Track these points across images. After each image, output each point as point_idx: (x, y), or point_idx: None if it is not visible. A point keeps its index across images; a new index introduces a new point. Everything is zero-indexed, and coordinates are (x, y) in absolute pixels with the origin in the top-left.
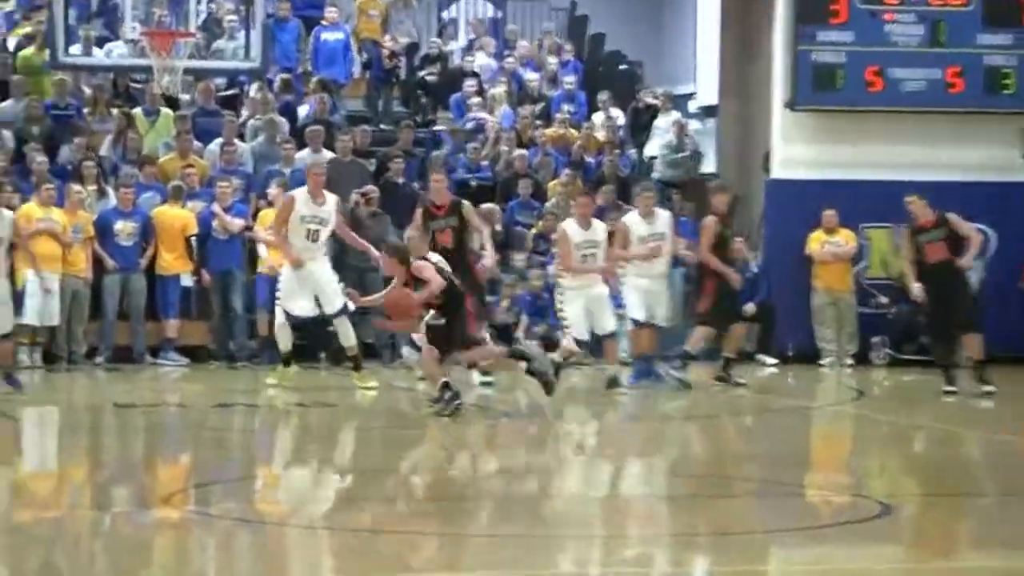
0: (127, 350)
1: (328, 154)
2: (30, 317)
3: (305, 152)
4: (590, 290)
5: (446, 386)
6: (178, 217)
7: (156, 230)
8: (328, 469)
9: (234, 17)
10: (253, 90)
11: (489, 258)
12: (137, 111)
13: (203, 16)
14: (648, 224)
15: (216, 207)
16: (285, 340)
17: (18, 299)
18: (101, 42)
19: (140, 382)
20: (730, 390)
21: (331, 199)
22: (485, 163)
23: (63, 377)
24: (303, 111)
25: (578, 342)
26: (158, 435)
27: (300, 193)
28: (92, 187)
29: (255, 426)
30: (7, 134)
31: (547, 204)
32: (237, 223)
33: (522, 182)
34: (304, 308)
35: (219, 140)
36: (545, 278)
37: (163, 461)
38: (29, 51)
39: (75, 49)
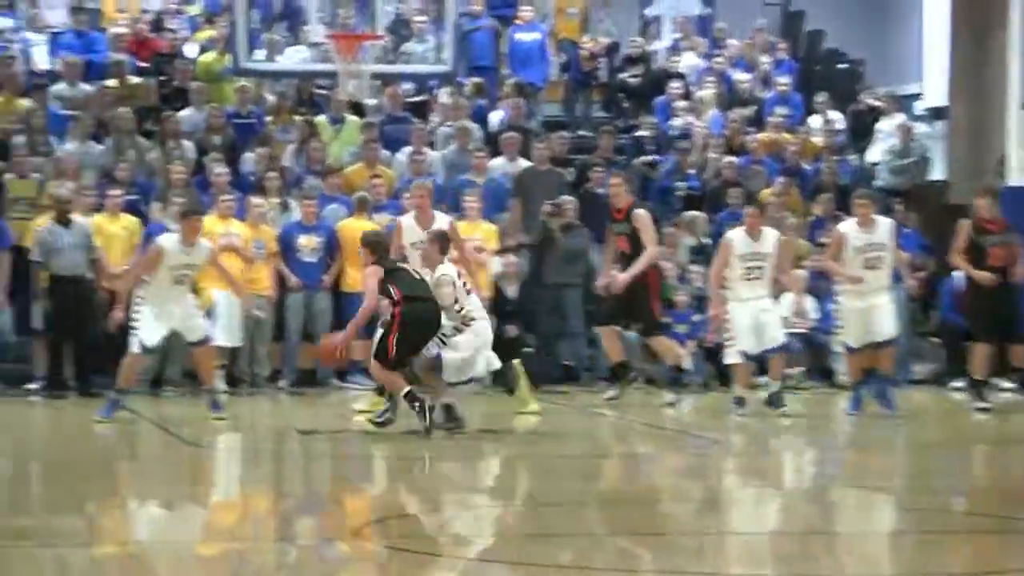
0: (311, 373)
1: (523, 163)
2: (218, 338)
3: (499, 160)
4: (756, 303)
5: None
6: (364, 230)
7: (341, 245)
8: (523, 500)
9: (423, 18)
10: (444, 95)
11: (621, 276)
12: (321, 119)
13: (390, 17)
14: (866, 233)
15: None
16: None
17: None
18: (284, 46)
19: (325, 407)
20: (969, 414)
21: (440, 221)
22: (692, 171)
23: (245, 401)
24: (497, 117)
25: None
26: (343, 463)
27: (407, 220)
28: (275, 200)
29: (444, 454)
30: (188, 144)
31: None
32: None
33: (732, 191)
34: None
35: (407, 148)
36: None
37: (349, 491)
38: (210, 57)
39: (258, 54)
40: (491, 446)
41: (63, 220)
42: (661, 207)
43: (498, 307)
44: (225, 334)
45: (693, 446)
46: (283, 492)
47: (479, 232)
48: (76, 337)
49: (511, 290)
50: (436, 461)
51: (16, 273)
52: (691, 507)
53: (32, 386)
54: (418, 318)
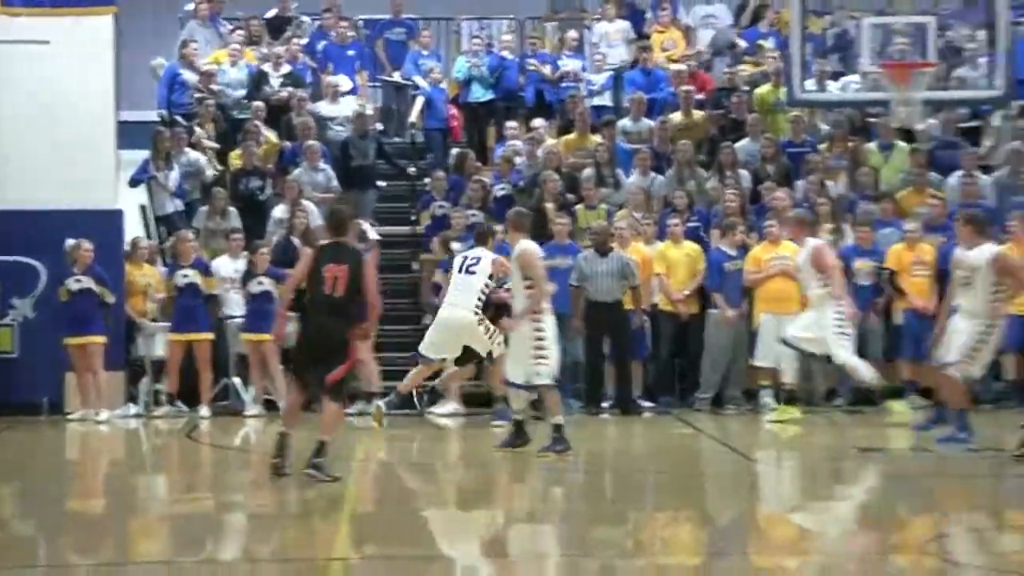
0: (866, 392)
1: None
2: (763, 359)
3: None
4: None
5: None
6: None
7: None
8: None
9: (975, 44)
10: (996, 119)
11: None
12: (870, 145)
13: (942, 44)
14: None
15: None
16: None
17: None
18: (835, 76)
19: (880, 426)
20: None
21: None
22: None
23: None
24: None
25: None
26: (901, 481)
27: None
28: (828, 225)
29: (1002, 472)
30: (744, 173)
31: None
32: None
33: None
34: None
35: (959, 173)
36: None
37: (906, 507)
38: (765, 89)
39: (809, 84)
40: None
41: (602, 250)
42: None
43: None
44: (767, 354)
45: None
46: (842, 507)
47: None
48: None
49: None
50: (998, 479)
51: None
52: None
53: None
54: None
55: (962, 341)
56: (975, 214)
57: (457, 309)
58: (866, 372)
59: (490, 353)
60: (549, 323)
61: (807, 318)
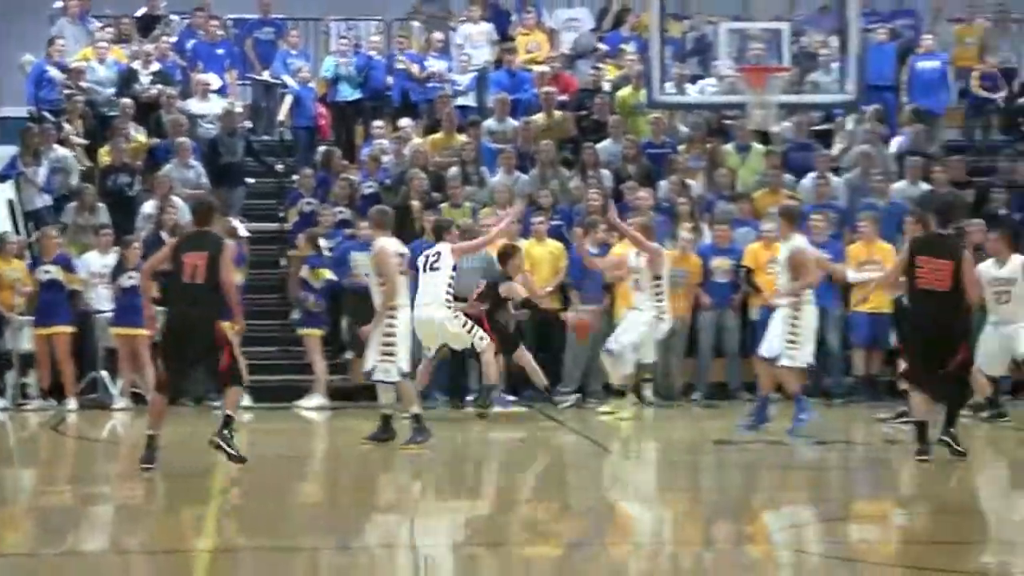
0: (723, 387)
1: (924, 186)
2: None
3: (902, 184)
4: None
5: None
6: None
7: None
8: (924, 508)
9: (828, 50)
10: (849, 123)
11: None
12: (727, 147)
13: (797, 49)
14: None
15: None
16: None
17: None
18: (693, 79)
19: (736, 419)
20: None
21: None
22: None
23: (660, 414)
24: (897, 142)
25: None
26: (754, 472)
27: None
28: (688, 224)
29: (851, 464)
30: (605, 173)
31: None
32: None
33: None
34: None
35: (812, 174)
36: None
37: (759, 499)
38: (626, 91)
39: (668, 87)
40: (883, 458)
41: None
42: None
43: None
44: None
45: None
46: (699, 500)
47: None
48: None
49: None
50: (847, 471)
51: None
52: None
53: None
54: None
55: (777, 332)
56: (789, 207)
57: (429, 308)
58: (623, 367)
59: (473, 346)
60: (402, 320)
61: (627, 321)
